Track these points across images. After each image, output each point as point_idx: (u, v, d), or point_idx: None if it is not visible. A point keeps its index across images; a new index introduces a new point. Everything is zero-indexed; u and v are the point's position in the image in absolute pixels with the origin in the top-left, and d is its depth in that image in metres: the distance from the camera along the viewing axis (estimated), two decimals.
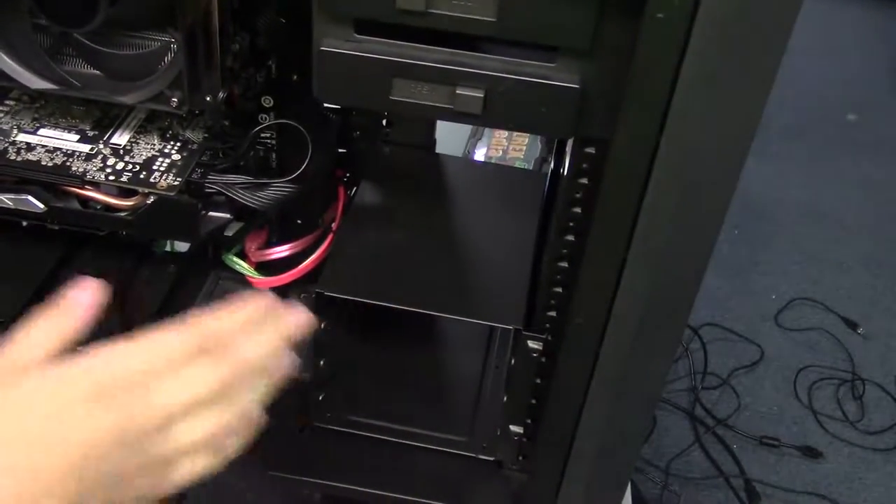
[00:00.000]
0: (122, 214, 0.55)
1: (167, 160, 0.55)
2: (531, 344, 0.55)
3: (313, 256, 0.63)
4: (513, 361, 0.57)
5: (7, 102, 0.58)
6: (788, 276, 1.68)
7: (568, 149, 0.49)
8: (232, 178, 0.55)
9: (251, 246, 0.64)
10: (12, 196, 0.55)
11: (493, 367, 0.66)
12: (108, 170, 0.54)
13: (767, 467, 1.36)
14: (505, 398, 0.60)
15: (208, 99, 0.50)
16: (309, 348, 0.60)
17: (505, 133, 1.11)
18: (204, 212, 0.56)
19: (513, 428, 0.59)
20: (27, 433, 0.35)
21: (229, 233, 0.61)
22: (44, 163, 0.54)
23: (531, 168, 1.03)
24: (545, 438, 0.56)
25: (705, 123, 0.39)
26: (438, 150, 0.73)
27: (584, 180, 0.47)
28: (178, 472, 0.39)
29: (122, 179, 0.54)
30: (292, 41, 0.52)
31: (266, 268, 0.64)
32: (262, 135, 0.57)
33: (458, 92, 0.42)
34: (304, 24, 0.43)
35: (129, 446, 0.37)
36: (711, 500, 1.31)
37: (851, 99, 2.20)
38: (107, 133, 0.57)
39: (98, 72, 0.52)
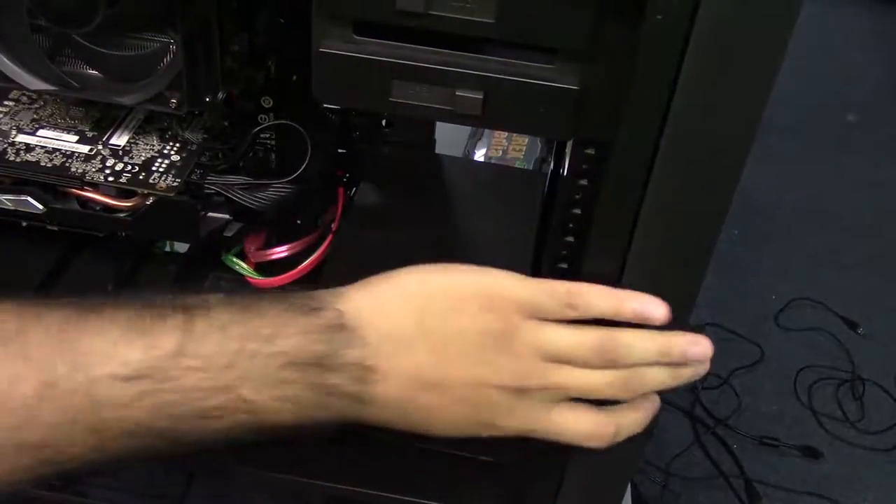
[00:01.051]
0: (122, 215, 0.55)
1: (166, 161, 0.55)
2: None
3: (313, 257, 0.63)
4: None
5: (6, 103, 0.58)
6: (788, 276, 1.68)
7: (568, 150, 0.48)
8: (231, 178, 0.55)
9: (251, 246, 0.64)
10: (11, 197, 0.55)
11: None
12: (108, 171, 0.54)
13: (767, 467, 1.36)
14: None
15: (207, 99, 0.50)
16: None
17: (505, 133, 1.11)
18: (203, 212, 0.56)
19: None
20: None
21: (229, 233, 0.61)
22: (43, 164, 0.54)
23: (531, 168, 1.03)
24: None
25: (705, 124, 0.39)
26: (438, 150, 0.73)
27: (584, 181, 0.47)
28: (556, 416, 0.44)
29: (121, 180, 0.54)
30: (292, 41, 0.52)
31: (266, 268, 0.64)
32: (262, 135, 0.57)
33: (457, 93, 0.42)
34: (304, 25, 0.43)
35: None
36: (711, 500, 1.31)
37: (851, 99, 2.20)
38: (106, 134, 0.57)
39: (97, 73, 0.52)
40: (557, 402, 0.44)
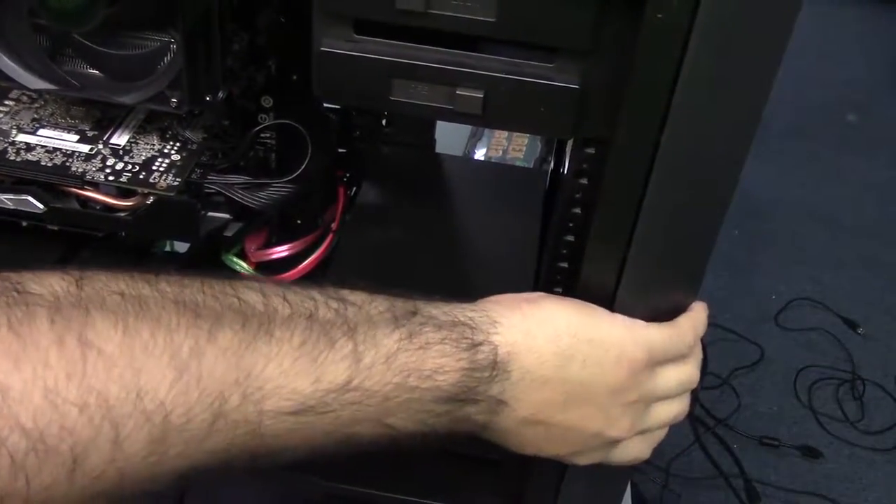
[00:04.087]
0: (122, 215, 0.55)
1: (167, 160, 0.55)
2: None
3: (313, 256, 0.63)
4: None
5: (6, 103, 0.58)
6: (788, 276, 1.68)
7: (568, 149, 0.49)
8: (231, 178, 0.55)
9: (251, 246, 0.64)
10: (12, 196, 0.55)
11: None
12: (108, 170, 0.54)
13: (767, 467, 1.36)
14: None
15: (208, 99, 0.50)
16: None
17: (505, 133, 1.11)
18: (203, 212, 0.56)
19: None
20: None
21: (229, 233, 0.61)
22: (43, 163, 0.54)
23: (531, 168, 1.03)
24: None
25: (706, 124, 0.40)
26: (438, 149, 0.73)
27: (584, 180, 0.47)
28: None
29: (121, 180, 0.54)
30: (292, 41, 0.52)
31: (266, 268, 0.64)
32: (262, 135, 0.57)
33: (458, 92, 0.42)
34: (304, 24, 0.43)
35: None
36: (711, 500, 1.31)
37: (851, 99, 2.20)
38: (106, 133, 0.57)
39: (97, 72, 0.52)
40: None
